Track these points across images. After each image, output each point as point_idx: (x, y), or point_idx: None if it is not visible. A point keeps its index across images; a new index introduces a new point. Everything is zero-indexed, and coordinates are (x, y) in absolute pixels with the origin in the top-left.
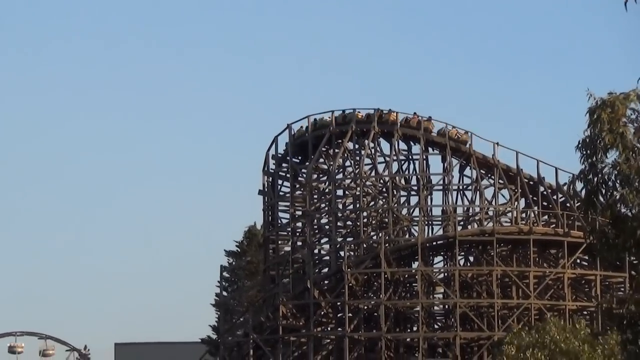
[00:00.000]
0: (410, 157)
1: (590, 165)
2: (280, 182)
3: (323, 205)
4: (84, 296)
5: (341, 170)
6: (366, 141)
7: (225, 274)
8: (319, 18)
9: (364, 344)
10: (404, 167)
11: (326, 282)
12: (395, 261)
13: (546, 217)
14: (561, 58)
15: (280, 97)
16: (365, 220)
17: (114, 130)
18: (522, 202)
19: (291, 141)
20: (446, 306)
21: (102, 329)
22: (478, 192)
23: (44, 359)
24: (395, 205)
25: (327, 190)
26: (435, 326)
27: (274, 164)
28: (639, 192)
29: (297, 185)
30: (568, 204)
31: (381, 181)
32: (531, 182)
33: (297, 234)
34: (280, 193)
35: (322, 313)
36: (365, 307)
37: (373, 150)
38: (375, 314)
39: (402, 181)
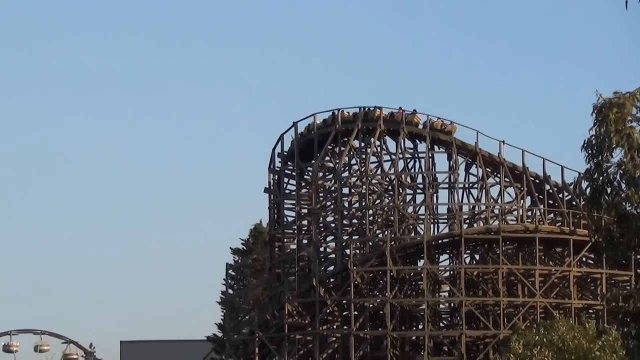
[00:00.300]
0: (416, 155)
1: (595, 164)
2: (286, 180)
3: (329, 203)
4: (89, 294)
5: (347, 168)
6: (372, 139)
7: (231, 271)
8: (325, 16)
9: (369, 342)
10: (410, 165)
11: (332, 280)
12: (401, 259)
13: (552, 215)
14: (567, 57)
15: (286, 95)
16: (371, 218)
17: (122, 127)
18: (528, 200)
19: (297, 139)
20: (452, 304)
21: (107, 326)
22: (484, 190)
23: (40, 354)
24: (401, 203)
25: (333, 188)
26: (441, 324)
27: (280, 161)
28: None
29: (303, 183)
30: (574, 202)
31: (387, 179)
32: (537, 181)
33: (303, 232)
34: (286, 191)
35: (328, 311)
36: (371, 305)
37: (379, 148)
38: (381, 312)
39: (408, 179)
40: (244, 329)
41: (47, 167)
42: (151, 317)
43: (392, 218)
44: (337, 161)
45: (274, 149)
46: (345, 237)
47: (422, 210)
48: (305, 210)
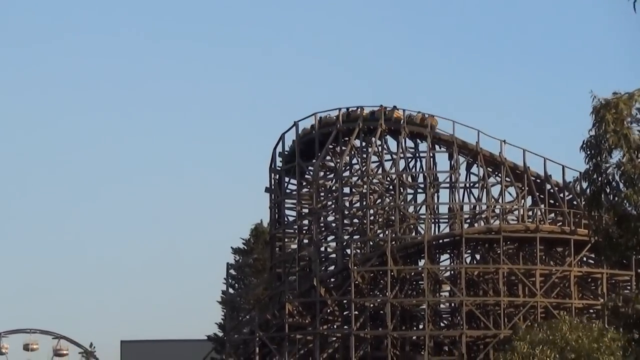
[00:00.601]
0: (417, 154)
1: (594, 165)
2: (287, 179)
3: (330, 202)
4: (90, 293)
5: (348, 167)
6: (373, 139)
7: (231, 271)
8: (326, 16)
9: (370, 341)
10: (411, 164)
11: (332, 279)
12: (402, 259)
13: (553, 215)
14: (568, 56)
15: (287, 94)
16: (371, 218)
17: (122, 126)
18: (529, 200)
19: (298, 139)
20: (452, 304)
21: (108, 326)
22: (485, 190)
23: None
24: (402, 203)
25: (333, 187)
26: (442, 324)
27: (280, 161)
28: None
29: (304, 183)
30: (575, 202)
31: (388, 179)
32: (538, 180)
33: (304, 231)
34: (287, 190)
35: (329, 311)
36: (372, 305)
37: (380, 148)
38: (382, 311)
39: (409, 179)
40: (245, 329)
41: (47, 166)
42: (152, 317)
43: (393, 218)
44: (338, 161)
45: (275, 148)
46: (346, 237)
47: (423, 210)
48: (306, 210)
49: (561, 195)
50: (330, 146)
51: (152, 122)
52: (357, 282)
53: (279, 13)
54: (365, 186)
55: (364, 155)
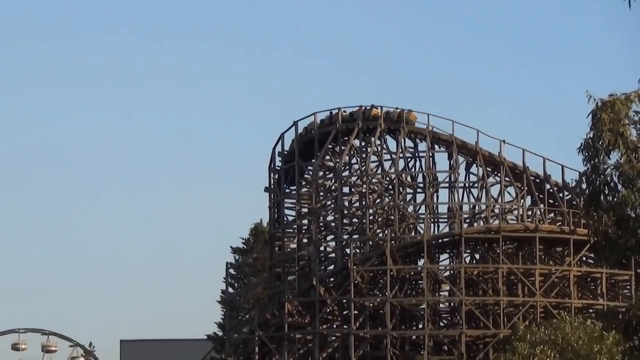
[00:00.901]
0: (416, 154)
1: (592, 166)
2: (286, 179)
3: (329, 202)
4: (89, 293)
5: (347, 167)
6: (372, 138)
7: (231, 271)
8: (325, 15)
9: (369, 341)
10: (410, 164)
11: (332, 279)
12: (401, 258)
13: (552, 214)
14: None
15: (287, 94)
16: (371, 217)
17: (122, 126)
18: (528, 199)
19: (297, 138)
20: (452, 304)
21: (107, 325)
22: (484, 189)
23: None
24: (401, 202)
25: (333, 187)
26: (441, 324)
27: (280, 161)
28: None
29: (303, 183)
30: (574, 202)
31: (387, 178)
32: (537, 180)
33: (303, 231)
34: (287, 190)
35: (328, 310)
36: (371, 305)
37: (379, 148)
38: (381, 311)
39: (408, 178)
40: (244, 328)
41: (47, 166)
42: (151, 316)
43: (393, 217)
44: (338, 160)
45: (274, 148)
46: (345, 237)
47: (422, 210)
48: (306, 210)
49: (560, 195)
50: (330, 146)
51: (152, 121)
52: (356, 281)
53: (278, 13)
54: (364, 186)
55: (364, 155)
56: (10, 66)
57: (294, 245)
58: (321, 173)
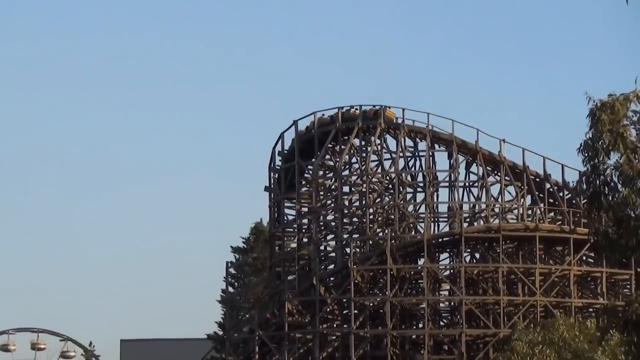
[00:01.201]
0: (416, 153)
1: (592, 167)
2: (286, 178)
3: (329, 201)
4: (89, 292)
5: (347, 166)
6: (372, 138)
7: (231, 270)
8: (325, 14)
9: (369, 340)
10: (410, 163)
11: (332, 278)
12: (401, 258)
13: (552, 214)
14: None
15: (287, 93)
16: (371, 216)
17: (122, 126)
18: (529, 199)
19: (297, 137)
20: (452, 303)
21: (107, 325)
22: (484, 188)
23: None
24: (401, 201)
25: (333, 186)
26: (441, 323)
27: (280, 160)
28: None
29: (303, 182)
30: (574, 201)
31: (387, 178)
32: (537, 179)
33: (303, 230)
34: (287, 189)
35: (328, 310)
36: (371, 304)
37: (379, 147)
38: (381, 310)
39: (408, 178)
40: (244, 328)
41: (47, 166)
42: (151, 316)
43: (393, 216)
44: (338, 160)
45: (274, 147)
46: (345, 236)
47: (422, 209)
48: (306, 209)
49: (560, 194)
50: (330, 145)
51: (152, 121)
52: (356, 281)
53: (278, 13)
54: (364, 185)
55: (364, 154)
56: (10, 66)
57: (294, 245)
58: (321, 172)
